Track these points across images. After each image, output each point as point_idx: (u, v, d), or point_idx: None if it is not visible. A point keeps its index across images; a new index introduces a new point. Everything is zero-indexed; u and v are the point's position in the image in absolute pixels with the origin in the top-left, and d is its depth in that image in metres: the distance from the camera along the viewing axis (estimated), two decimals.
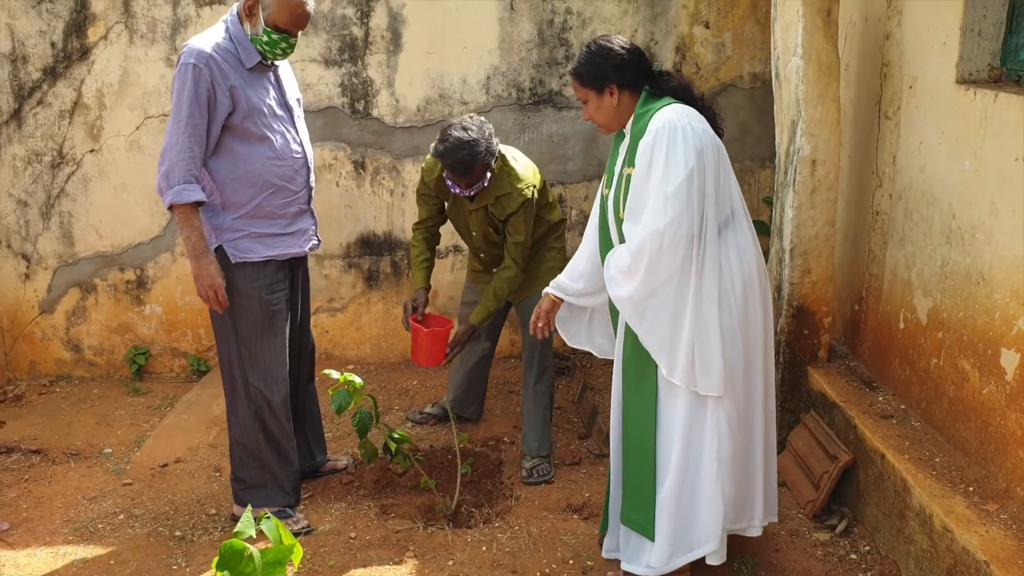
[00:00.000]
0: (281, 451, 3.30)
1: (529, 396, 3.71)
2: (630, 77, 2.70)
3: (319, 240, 3.37)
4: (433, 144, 3.31)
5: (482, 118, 3.36)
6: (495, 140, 3.33)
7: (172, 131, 2.94)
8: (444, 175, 3.41)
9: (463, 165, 3.24)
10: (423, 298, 3.67)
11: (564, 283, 2.93)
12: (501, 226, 3.51)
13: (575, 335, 3.05)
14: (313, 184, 3.30)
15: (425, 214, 3.70)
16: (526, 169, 3.49)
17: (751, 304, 2.68)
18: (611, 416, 2.88)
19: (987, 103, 2.80)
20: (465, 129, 3.25)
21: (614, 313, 2.83)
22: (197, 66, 2.91)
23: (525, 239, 3.48)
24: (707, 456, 2.68)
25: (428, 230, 3.73)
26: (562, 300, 2.95)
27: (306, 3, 3.02)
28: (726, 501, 2.70)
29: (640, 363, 2.73)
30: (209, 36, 3.02)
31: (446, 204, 3.65)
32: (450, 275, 4.69)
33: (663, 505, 2.73)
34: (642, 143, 2.62)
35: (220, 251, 3.10)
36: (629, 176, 2.66)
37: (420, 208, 3.72)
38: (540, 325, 2.96)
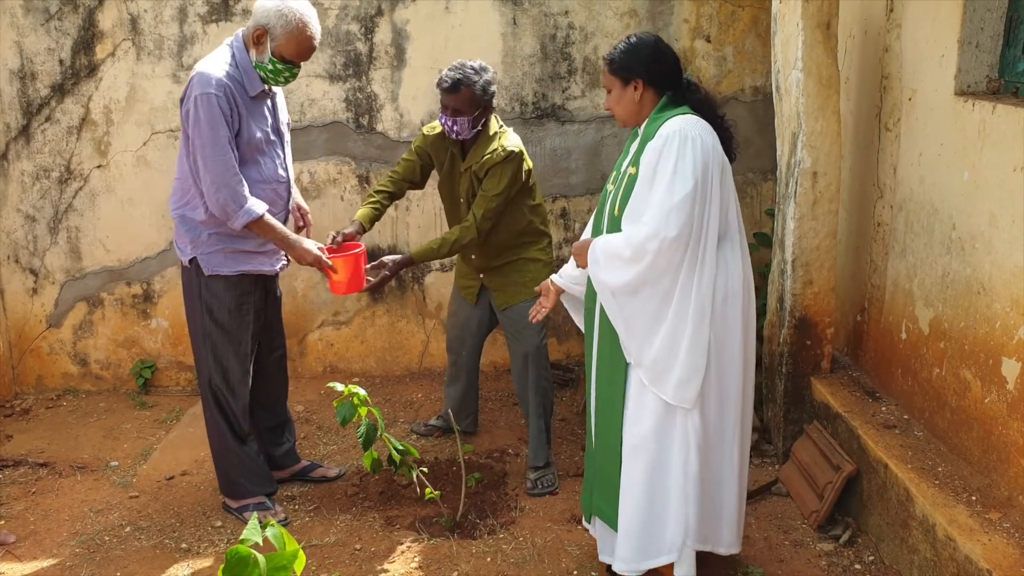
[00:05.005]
0: (248, 445, 3.45)
1: (526, 408, 3.72)
2: (657, 77, 2.72)
3: (289, 260, 3.43)
4: None
5: (492, 71, 3.47)
6: (492, 87, 3.43)
7: (214, 160, 3.02)
8: (440, 121, 3.47)
9: (452, 83, 3.37)
10: (351, 230, 3.50)
11: (568, 271, 3.02)
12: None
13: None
14: (292, 208, 3.42)
15: (404, 170, 3.67)
16: (517, 141, 3.52)
17: (731, 322, 2.70)
18: (588, 405, 2.94)
19: (985, 115, 2.82)
20: (464, 63, 3.41)
21: (589, 295, 2.87)
22: (216, 94, 3.01)
23: (497, 198, 3.42)
24: (674, 469, 2.69)
25: (395, 183, 3.67)
26: (562, 289, 3.04)
27: (313, 37, 3.12)
28: (691, 519, 2.70)
29: (614, 357, 2.77)
30: (218, 63, 3.08)
31: (437, 172, 3.66)
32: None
33: (627, 500, 2.75)
34: (649, 146, 2.64)
35: (194, 262, 3.23)
36: (631, 176, 2.69)
37: (401, 163, 3.68)
38: (541, 310, 3.08)
